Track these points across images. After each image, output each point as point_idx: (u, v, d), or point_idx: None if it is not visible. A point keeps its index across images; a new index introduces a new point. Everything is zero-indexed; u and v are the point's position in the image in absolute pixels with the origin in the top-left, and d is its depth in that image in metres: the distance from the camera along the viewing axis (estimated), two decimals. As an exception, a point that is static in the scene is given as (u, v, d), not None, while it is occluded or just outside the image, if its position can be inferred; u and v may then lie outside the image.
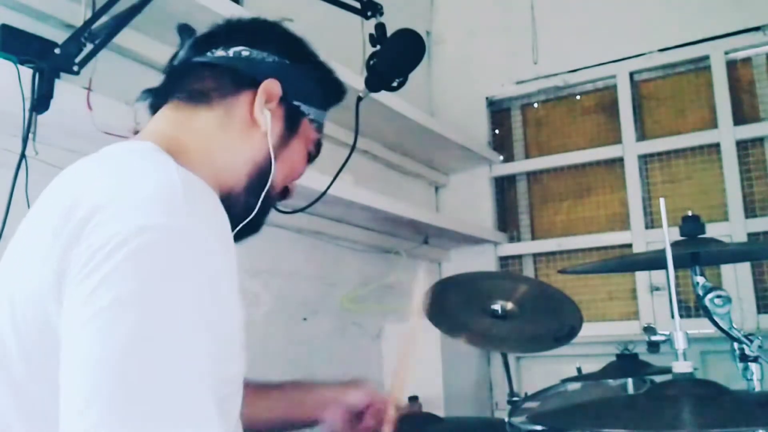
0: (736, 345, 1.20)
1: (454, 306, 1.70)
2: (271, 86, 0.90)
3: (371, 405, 1.13)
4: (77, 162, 0.82)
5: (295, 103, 0.95)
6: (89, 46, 1.27)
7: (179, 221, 0.65)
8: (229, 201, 0.87)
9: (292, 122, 0.95)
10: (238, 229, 0.90)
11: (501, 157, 2.94)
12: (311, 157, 1.02)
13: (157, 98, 0.93)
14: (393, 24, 1.32)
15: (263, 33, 0.95)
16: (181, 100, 0.89)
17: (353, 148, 1.33)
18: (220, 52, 0.91)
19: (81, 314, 0.61)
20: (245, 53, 0.91)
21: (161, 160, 0.76)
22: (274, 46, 0.94)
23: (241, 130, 0.90)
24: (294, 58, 0.95)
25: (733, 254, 1.78)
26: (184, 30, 0.97)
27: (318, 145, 1.02)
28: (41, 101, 1.20)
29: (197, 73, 0.90)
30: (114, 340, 0.59)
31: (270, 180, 0.91)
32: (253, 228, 0.94)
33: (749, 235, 2.39)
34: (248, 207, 0.90)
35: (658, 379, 1.28)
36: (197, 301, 0.64)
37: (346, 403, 1.13)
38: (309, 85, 0.98)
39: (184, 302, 0.63)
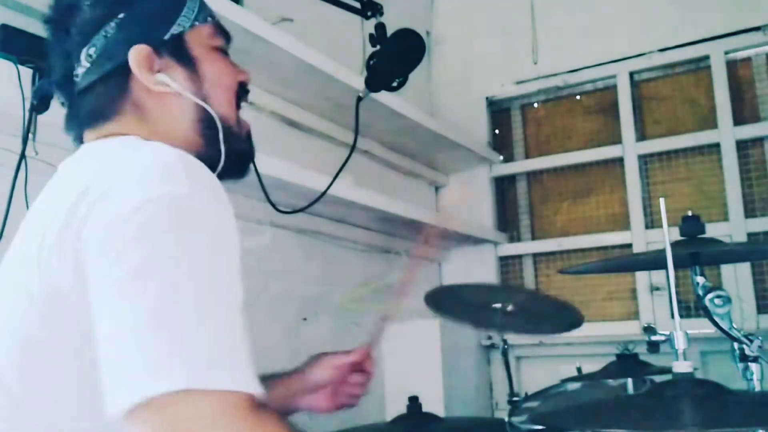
0: (736, 345, 1.20)
1: (454, 307, 1.70)
2: (138, 53, 0.84)
3: (353, 363, 1.24)
4: (76, 156, 0.84)
5: (165, 37, 0.87)
6: (89, 46, 1.26)
7: (181, 189, 0.69)
8: (203, 161, 0.85)
9: (182, 55, 0.88)
10: (231, 165, 0.91)
11: (501, 157, 2.93)
12: (227, 45, 0.95)
13: (78, 134, 0.91)
14: (393, 24, 1.32)
15: (79, 11, 0.88)
16: (95, 125, 0.87)
17: (353, 148, 1.33)
18: (80, 70, 0.87)
19: (104, 290, 0.65)
20: (92, 50, 0.86)
21: (154, 143, 0.79)
22: (97, 13, 0.86)
23: (159, 108, 0.87)
24: (121, 5, 0.87)
25: (733, 254, 1.78)
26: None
27: (220, 31, 0.94)
28: (41, 101, 1.20)
29: (87, 100, 0.88)
30: (142, 307, 0.63)
31: (217, 120, 0.88)
32: (244, 160, 0.95)
33: (749, 235, 2.39)
34: (218, 153, 0.89)
35: (658, 379, 1.28)
36: (210, 256, 0.68)
37: (336, 365, 1.23)
38: (155, 8, 0.89)
39: (199, 259, 0.67)
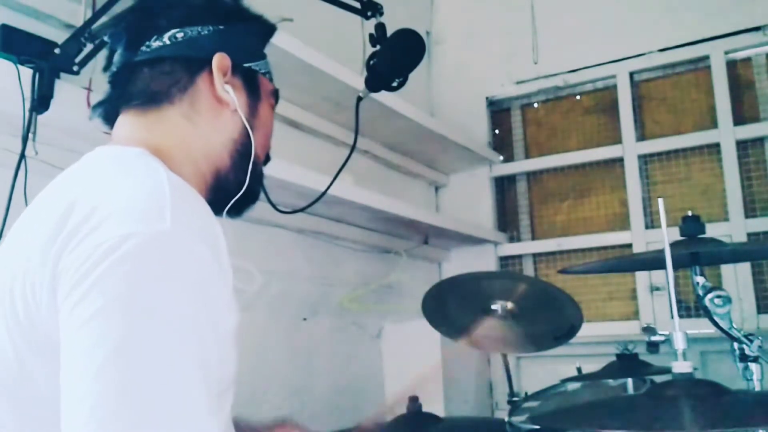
0: (736, 345, 1.20)
1: (454, 307, 1.70)
2: (222, 60, 0.89)
3: None
4: (71, 167, 0.82)
5: (246, 65, 0.93)
6: (89, 46, 1.26)
7: (164, 227, 0.66)
8: (218, 183, 0.88)
9: (252, 86, 0.94)
10: (234, 203, 0.91)
11: (501, 157, 2.94)
12: (273, 108, 1.01)
13: (109, 109, 0.91)
14: (393, 24, 1.32)
15: (184, 4, 0.91)
16: (140, 105, 0.87)
17: (353, 148, 1.33)
18: (156, 43, 0.87)
19: (72, 323, 0.63)
20: (180, 35, 0.88)
21: (152, 166, 0.77)
22: (201, 14, 0.90)
23: (210, 115, 0.89)
24: (225, 20, 0.92)
25: (733, 254, 1.78)
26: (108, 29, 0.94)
27: (276, 95, 1.00)
28: (41, 101, 1.20)
29: (145, 74, 0.88)
30: (100, 349, 0.60)
31: (253, 152, 0.91)
32: (250, 199, 0.95)
33: (749, 235, 2.39)
34: (239, 183, 0.91)
35: (658, 379, 1.28)
36: (183, 303, 0.64)
37: None
38: (248, 40, 0.95)
39: (169, 305, 0.63)
